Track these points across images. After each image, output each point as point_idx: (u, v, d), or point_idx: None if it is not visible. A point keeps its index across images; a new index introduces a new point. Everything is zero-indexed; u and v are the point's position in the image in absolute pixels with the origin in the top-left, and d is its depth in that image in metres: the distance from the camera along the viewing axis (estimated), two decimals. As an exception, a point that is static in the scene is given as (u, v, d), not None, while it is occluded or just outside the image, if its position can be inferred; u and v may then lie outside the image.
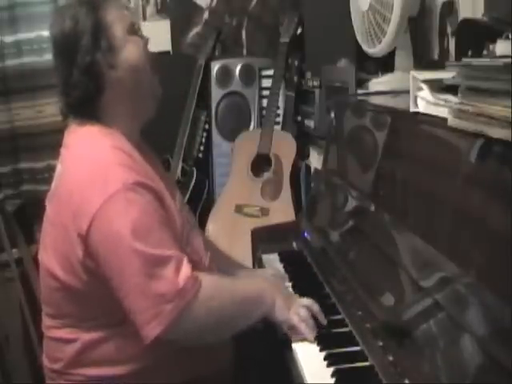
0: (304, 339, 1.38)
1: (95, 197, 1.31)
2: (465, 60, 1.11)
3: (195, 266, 1.46)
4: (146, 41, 1.50)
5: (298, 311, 1.41)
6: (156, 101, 1.51)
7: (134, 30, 1.47)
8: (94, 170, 1.36)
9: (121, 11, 1.49)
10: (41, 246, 1.48)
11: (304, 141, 2.88)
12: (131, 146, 1.44)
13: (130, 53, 1.44)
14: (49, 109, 3.16)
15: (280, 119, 3.06)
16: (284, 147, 2.87)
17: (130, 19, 1.49)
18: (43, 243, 1.47)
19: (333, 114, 2.03)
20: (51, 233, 1.44)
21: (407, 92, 1.40)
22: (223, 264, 1.71)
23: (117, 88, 1.43)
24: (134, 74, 1.44)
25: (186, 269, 1.31)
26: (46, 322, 1.51)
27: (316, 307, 1.43)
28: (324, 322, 1.40)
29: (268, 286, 1.47)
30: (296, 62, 2.96)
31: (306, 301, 1.45)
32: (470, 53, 1.33)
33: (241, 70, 3.19)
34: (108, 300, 1.33)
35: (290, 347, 1.38)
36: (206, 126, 3.26)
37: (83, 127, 1.45)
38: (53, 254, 1.42)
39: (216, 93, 3.21)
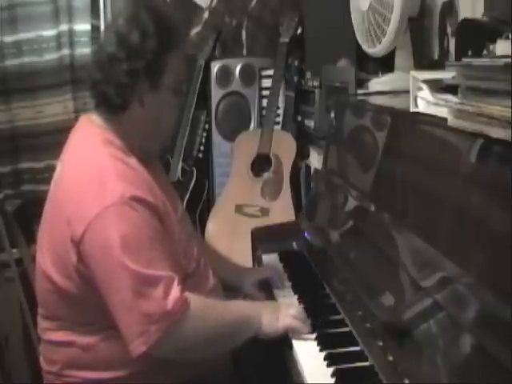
0: (304, 339, 1.38)
1: (91, 205, 1.31)
2: (465, 60, 1.11)
3: (192, 273, 1.47)
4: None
5: (287, 313, 1.42)
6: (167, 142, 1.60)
7: (178, 91, 1.46)
8: (92, 178, 1.36)
9: (185, 62, 1.46)
10: (38, 247, 1.48)
11: (304, 141, 2.88)
12: (133, 155, 1.43)
13: (159, 106, 1.43)
14: (49, 109, 3.16)
15: (280, 119, 3.06)
16: (284, 147, 2.87)
17: (184, 76, 1.49)
18: (40, 244, 1.47)
19: (333, 114, 2.03)
20: (48, 234, 1.44)
21: (407, 92, 1.40)
22: (222, 267, 1.71)
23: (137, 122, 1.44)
24: (153, 120, 1.45)
25: (175, 290, 1.30)
26: (42, 324, 1.50)
27: (303, 315, 1.44)
28: (308, 330, 1.40)
29: (253, 308, 1.48)
30: (296, 62, 2.97)
31: (293, 309, 1.46)
32: (469, 53, 1.33)
33: (241, 70, 3.19)
34: (103, 305, 1.33)
35: (290, 347, 1.38)
36: (206, 126, 3.26)
37: (92, 127, 1.44)
38: (49, 256, 1.42)
39: (216, 93, 3.21)
